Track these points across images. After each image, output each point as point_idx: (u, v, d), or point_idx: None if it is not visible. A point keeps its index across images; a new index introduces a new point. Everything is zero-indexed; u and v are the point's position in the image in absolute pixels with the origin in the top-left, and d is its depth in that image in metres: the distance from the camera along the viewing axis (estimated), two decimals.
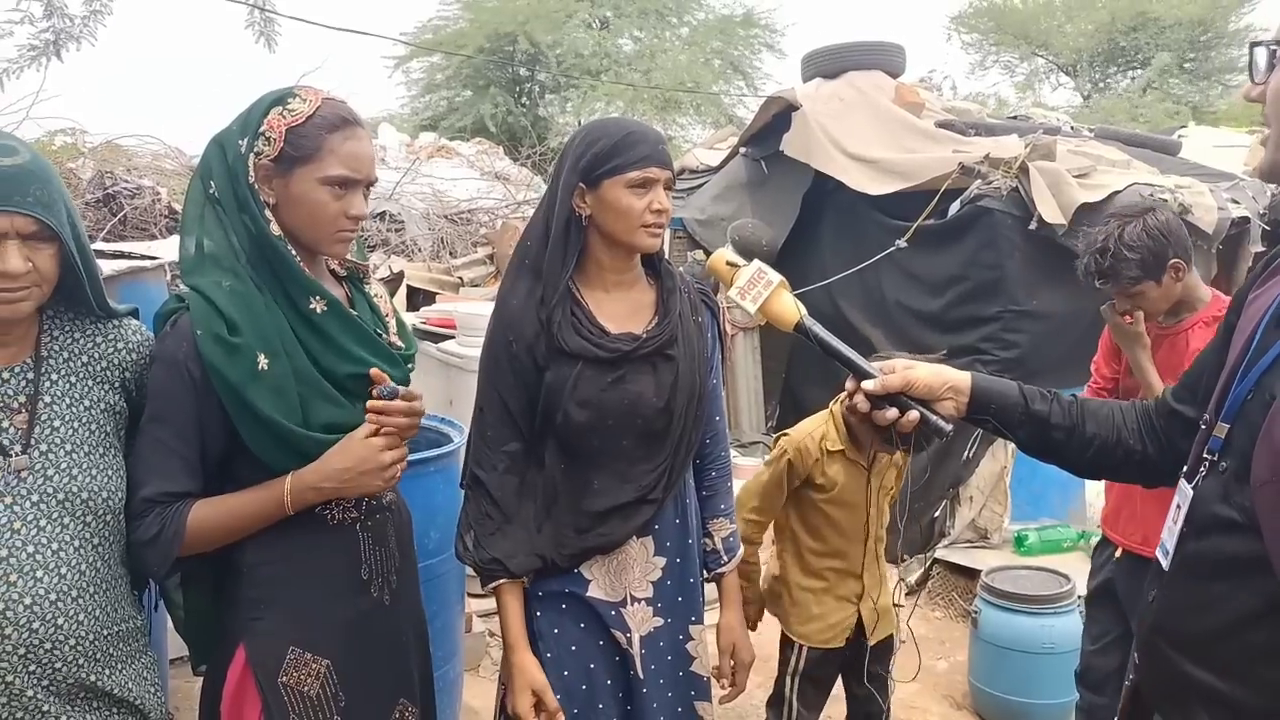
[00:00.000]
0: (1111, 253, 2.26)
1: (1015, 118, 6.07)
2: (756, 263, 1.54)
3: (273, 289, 1.48)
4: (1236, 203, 4.33)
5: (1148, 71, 17.26)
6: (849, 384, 1.46)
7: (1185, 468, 1.21)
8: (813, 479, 2.34)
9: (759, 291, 1.51)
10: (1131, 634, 2.41)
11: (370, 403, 1.51)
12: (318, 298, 1.50)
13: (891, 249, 4.62)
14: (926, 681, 2.54)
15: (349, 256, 1.64)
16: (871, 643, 2.40)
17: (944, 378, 1.43)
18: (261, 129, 1.46)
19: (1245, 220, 4.29)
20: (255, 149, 1.46)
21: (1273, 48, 1.09)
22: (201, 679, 1.62)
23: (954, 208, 4.47)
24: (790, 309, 1.52)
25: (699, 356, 1.79)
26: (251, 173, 1.46)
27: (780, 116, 5.37)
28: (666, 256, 1.86)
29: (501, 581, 1.73)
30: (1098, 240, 2.33)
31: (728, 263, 1.56)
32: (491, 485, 1.72)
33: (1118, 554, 2.50)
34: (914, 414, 1.42)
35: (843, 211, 5.14)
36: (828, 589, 2.39)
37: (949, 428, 1.44)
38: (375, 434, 1.50)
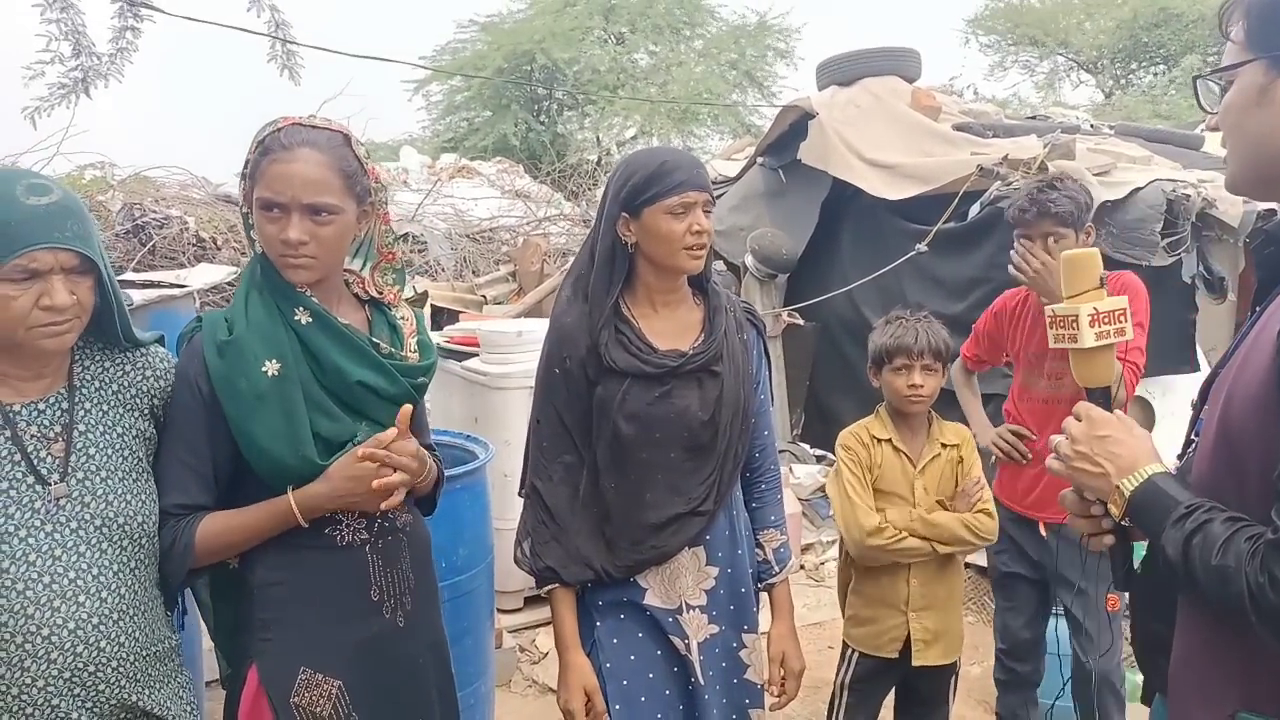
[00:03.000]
0: (1056, 191, 2.53)
1: (1034, 118, 6.03)
2: (1125, 298, 1.32)
3: (276, 303, 1.54)
4: None
5: (1174, 71, 17.02)
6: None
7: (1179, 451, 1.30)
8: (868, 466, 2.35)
9: (1110, 331, 1.28)
10: (1047, 604, 2.63)
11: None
12: (301, 308, 1.54)
13: (912, 253, 4.61)
14: (960, 686, 2.51)
15: (379, 279, 1.68)
16: (915, 664, 2.30)
17: None
18: (247, 155, 1.54)
19: (1272, 213, 4.23)
20: (244, 174, 1.55)
21: (1223, 83, 1.16)
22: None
23: (974, 210, 4.46)
24: (1111, 369, 1.33)
25: (744, 373, 1.86)
26: (240, 196, 1.57)
27: (797, 125, 5.38)
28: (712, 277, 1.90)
29: (554, 586, 1.80)
30: (1037, 184, 2.64)
31: (1101, 277, 1.32)
32: (547, 494, 1.81)
33: (1044, 532, 2.55)
34: (1109, 541, 1.28)
35: (862, 218, 5.13)
36: (880, 593, 2.34)
37: (1114, 591, 1.39)
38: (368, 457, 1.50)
